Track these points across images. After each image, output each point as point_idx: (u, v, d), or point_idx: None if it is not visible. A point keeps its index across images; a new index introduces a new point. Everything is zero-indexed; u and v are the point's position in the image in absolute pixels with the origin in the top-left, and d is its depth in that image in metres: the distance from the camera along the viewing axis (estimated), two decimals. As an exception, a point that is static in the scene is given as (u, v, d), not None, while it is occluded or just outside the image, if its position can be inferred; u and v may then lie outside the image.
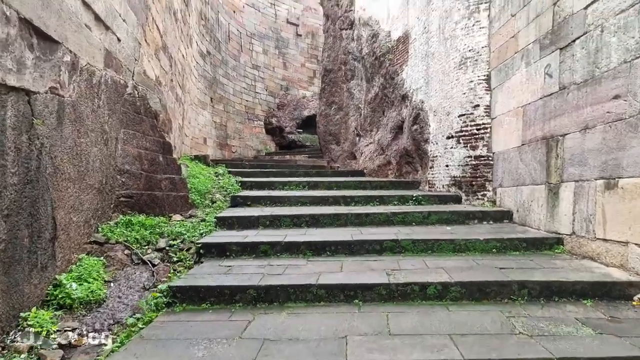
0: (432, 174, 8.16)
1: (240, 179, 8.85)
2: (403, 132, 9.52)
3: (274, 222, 5.93)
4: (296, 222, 5.95)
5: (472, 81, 7.07)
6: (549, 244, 4.95)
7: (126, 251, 4.69)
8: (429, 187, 8.26)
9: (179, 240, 5.09)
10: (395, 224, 5.95)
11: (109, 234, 4.73)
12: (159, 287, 3.89)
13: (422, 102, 8.56)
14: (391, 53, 10.31)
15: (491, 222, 6.06)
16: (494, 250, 4.91)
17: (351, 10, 12.45)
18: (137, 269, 4.49)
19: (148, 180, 5.85)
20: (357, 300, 3.71)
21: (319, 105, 14.42)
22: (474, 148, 7.00)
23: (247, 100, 17.58)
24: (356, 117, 12.26)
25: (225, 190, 8.01)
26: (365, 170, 11.05)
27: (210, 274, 4.19)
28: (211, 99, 14.77)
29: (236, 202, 7.11)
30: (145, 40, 6.56)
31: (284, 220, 5.94)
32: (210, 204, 7.14)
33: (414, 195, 7.17)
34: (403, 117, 9.55)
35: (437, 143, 7.94)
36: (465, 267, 4.25)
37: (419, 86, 8.77)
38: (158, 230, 5.25)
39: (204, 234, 5.37)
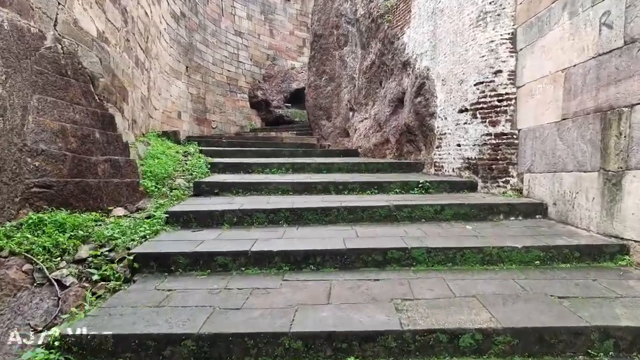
0: (440, 154, 6.83)
1: (212, 160, 7.47)
2: (404, 106, 8.15)
3: (244, 218, 4.59)
4: (273, 218, 4.61)
5: (492, 41, 5.68)
6: (610, 254, 3.66)
7: (26, 266, 3.33)
8: (436, 169, 6.94)
9: (107, 248, 3.73)
10: (400, 220, 4.63)
11: (2, 242, 3.36)
12: (52, 332, 2.54)
13: (428, 69, 7.17)
14: (390, 13, 8.84)
15: (520, 218, 4.76)
16: (536, 262, 3.61)
17: (344, -35, 10.88)
18: (37, 294, 3.14)
19: (76, 163, 4.45)
20: (352, 359, 2.40)
21: (308, 75, 12.93)
22: (494, 124, 5.65)
23: (229, 71, 15.96)
24: (350, 88, 10.83)
25: (191, 174, 6.63)
26: (359, 150, 9.69)
27: (135, 306, 2.85)
28: (187, 67, 13.16)
29: (200, 189, 5.74)
30: (76, -20, 5.07)
31: (257, 216, 4.60)
32: (168, 192, 5.76)
33: (420, 181, 5.84)
34: (404, 87, 8.16)
35: (446, 118, 6.59)
36: (507, 294, 2.95)
37: (424, 50, 7.36)
38: (82, 232, 3.87)
39: (147, 237, 4.00)
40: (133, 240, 3.89)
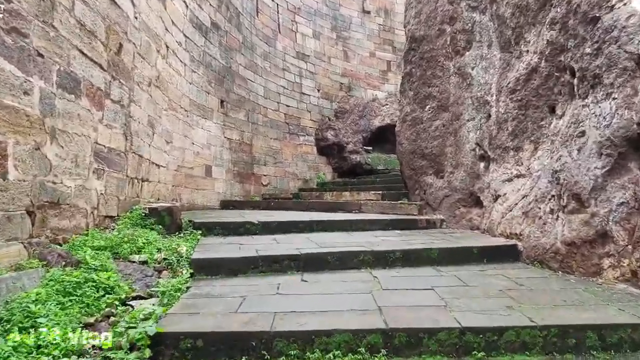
0: None
1: (196, 302, 3.08)
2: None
3: None
4: None
5: None
6: None
7: None
8: None
9: None
10: None
11: None
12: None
13: None
14: (585, -41, 4.11)
15: None
16: None
17: None
18: None
19: None
20: None
21: (401, 104, 8.40)
22: None
23: (287, 106, 11.90)
24: (479, 121, 6.07)
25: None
26: (519, 244, 4.80)
27: None
28: (222, 101, 9.20)
29: None
30: None
31: None
32: None
33: None
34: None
35: None
36: None
37: None
38: None
39: None
40: None
